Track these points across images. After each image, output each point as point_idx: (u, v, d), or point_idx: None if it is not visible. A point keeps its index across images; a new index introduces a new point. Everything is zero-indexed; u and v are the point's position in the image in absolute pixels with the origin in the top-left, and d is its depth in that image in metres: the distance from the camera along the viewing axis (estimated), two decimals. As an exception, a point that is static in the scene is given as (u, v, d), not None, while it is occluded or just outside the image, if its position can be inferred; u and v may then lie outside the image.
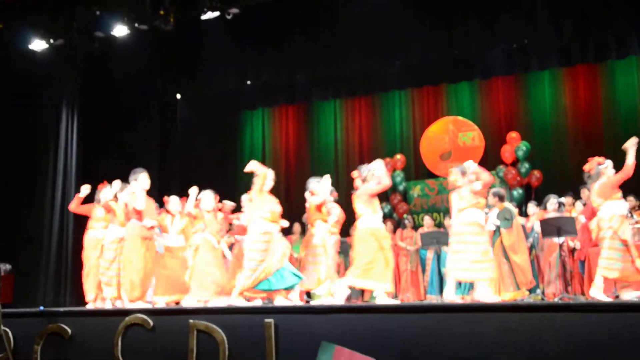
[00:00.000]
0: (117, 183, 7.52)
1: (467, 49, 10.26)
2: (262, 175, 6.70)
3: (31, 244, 10.45)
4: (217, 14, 10.00)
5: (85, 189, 7.69)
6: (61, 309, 6.55)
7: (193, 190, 7.45)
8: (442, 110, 12.44)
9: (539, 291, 8.26)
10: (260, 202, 6.63)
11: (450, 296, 6.51)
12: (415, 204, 12.16)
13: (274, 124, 13.69)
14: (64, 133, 10.85)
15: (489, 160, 11.80)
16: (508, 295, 7.47)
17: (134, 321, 5.30)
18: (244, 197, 7.90)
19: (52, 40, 10.51)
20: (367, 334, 4.50)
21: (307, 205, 7.44)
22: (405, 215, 11.62)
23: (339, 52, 10.47)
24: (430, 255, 9.89)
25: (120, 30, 10.32)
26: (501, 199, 8.02)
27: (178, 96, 12.17)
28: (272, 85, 12.18)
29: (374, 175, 6.65)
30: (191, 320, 5.02)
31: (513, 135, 11.47)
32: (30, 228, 10.56)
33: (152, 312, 5.39)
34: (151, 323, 5.23)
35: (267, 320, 4.74)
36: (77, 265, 9.75)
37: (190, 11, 10.12)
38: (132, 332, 5.28)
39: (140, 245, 7.01)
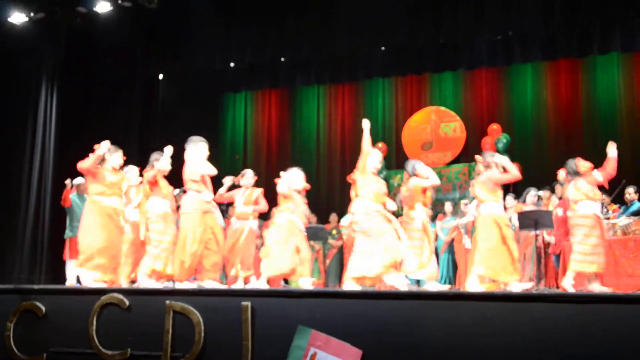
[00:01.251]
0: (155, 155, 6.90)
1: (452, 38, 10.29)
2: (366, 153, 6.45)
3: (6, 220, 10.32)
4: (202, -8, 9.93)
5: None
6: (35, 287, 6.48)
7: (293, 171, 7.29)
8: (425, 100, 12.49)
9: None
10: (364, 182, 6.40)
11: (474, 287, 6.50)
12: (396, 193, 12.18)
13: (257, 107, 13.65)
14: (43, 108, 10.67)
15: (470, 151, 11.87)
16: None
17: (110, 301, 5.25)
18: (227, 179, 7.83)
19: (32, 14, 10.34)
20: (343, 319, 4.51)
21: (406, 186, 7.08)
22: (385, 204, 11.66)
23: (325, 36, 10.44)
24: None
25: (103, 7, 10.18)
26: None
27: (160, 75, 12.06)
28: (255, 68, 12.12)
29: (498, 165, 6.64)
30: (167, 301, 4.99)
31: (494, 127, 11.54)
32: (5, 204, 10.42)
33: (128, 292, 5.35)
34: (127, 303, 5.19)
35: (244, 303, 4.73)
36: (54, 243, 9.69)
37: (175, -11, 10.04)
38: (107, 312, 5.23)
39: (200, 220, 6.41)
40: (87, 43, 10.98)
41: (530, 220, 7.27)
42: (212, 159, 11.93)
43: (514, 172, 6.61)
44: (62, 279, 8.74)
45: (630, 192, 8.30)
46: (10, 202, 10.41)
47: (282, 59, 11.37)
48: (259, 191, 7.81)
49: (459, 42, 10.76)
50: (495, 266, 6.32)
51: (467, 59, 11.25)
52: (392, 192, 12.20)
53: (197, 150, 6.57)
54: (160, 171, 6.71)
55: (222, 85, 12.91)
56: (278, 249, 6.82)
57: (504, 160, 6.70)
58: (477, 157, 6.94)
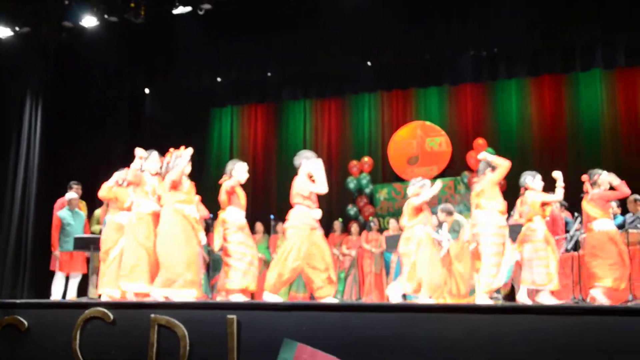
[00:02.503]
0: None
1: (437, 54, 10.37)
2: (505, 166, 6.58)
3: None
4: (189, 8, 9.93)
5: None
6: (18, 301, 6.41)
7: (437, 183, 7.27)
8: (411, 115, 12.55)
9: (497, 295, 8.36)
10: (492, 194, 6.51)
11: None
12: (382, 207, 12.22)
13: (243, 122, 13.64)
14: (27, 122, 10.62)
15: (455, 165, 11.94)
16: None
17: (94, 314, 5.21)
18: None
19: (17, 28, 10.30)
20: (329, 332, 4.50)
21: (522, 199, 7.18)
22: (371, 218, 11.68)
23: (311, 51, 10.48)
24: (394, 258, 9.92)
25: (89, 21, 10.16)
26: (449, 213, 8.13)
27: (146, 90, 12.04)
28: (242, 84, 12.13)
29: (605, 182, 6.89)
30: (152, 315, 4.96)
31: (480, 142, 11.61)
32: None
33: (112, 306, 5.30)
34: (111, 317, 5.15)
35: (229, 316, 4.71)
36: (37, 258, 9.60)
37: (162, 5, 10.02)
38: (91, 326, 5.19)
39: (308, 235, 6.22)
40: (73, 58, 10.96)
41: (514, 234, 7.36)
42: (197, 173, 11.93)
43: (623, 189, 6.86)
44: (46, 294, 8.64)
45: (613, 206, 8.37)
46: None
47: (269, 74, 11.40)
48: None
49: (444, 58, 10.85)
50: (617, 278, 6.67)
51: (452, 75, 11.35)
52: (379, 206, 12.26)
53: (312, 165, 6.41)
54: (239, 181, 6.62)
55: (209, 100, 12.90)
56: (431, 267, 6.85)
57: (612, 177, 6.91)
58: (583, 176, 7.10)
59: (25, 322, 5.40)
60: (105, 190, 7.09)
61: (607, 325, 3.97)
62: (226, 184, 6.59)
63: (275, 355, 4.51)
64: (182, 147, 6.63)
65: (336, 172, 12.49)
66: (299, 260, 6.13)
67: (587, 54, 10.21)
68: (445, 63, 11.17)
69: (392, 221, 10.59)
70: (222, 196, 6.60)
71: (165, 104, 12.33)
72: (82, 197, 9.24)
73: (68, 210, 8.75)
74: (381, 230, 10.89)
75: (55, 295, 8.47)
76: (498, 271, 6.40)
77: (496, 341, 4.09)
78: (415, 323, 4.40)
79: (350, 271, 10.49)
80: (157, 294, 6.03)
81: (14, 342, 5.39)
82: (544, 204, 6.99)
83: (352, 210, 12.24)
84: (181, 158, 6.45)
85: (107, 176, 7.40)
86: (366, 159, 12.41)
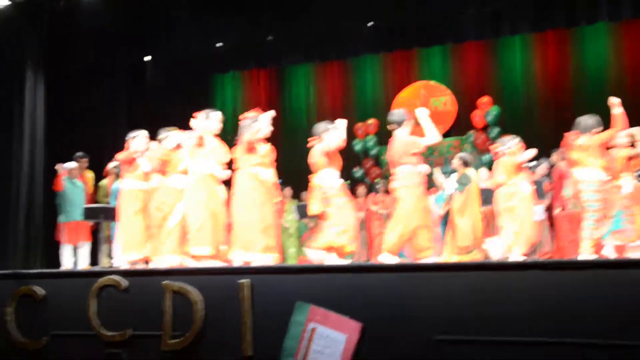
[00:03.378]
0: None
1: (439, 12, 10.24)
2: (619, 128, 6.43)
3: (-1, 208, 10.27)
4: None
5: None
6: (32, 271, 6.48)
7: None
8: (414, 75, 12.47)
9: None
10: (597, 152, 6.34)
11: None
12: (388, 169, 12.19)
13: (246, 87, 13.59)
14: (29, 93, 10.54)
15: (461, 125, 11.90)
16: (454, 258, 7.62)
17: (107, 282, 5.26)
18: None
19: (14, -3, 10.20)
20: (341, 293, 4.54)
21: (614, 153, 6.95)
22: (377, 180, 11.68)
23: (311, 14, 10.36)
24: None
25: (86, -12, 10.05)
26: (465, 164, 8.11)
27: (147, 58, 11.96)
28: (243, 48, 12.01)
29: None
30: (165, 282, 5.01)
31: (484, 100, 11.54)
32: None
33: (126, 274, 5.36)
34: (125, 284, 5.21)
35: (242, 280, 4.75)
36: (47, 229, 9.66)
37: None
38: (105, 294, 5.25)
39: (421, 193, 6.25)
40: (71, 26, 10.85)
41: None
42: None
43: None
44: (58, 264, 8.73)
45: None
46: (1, 190, 10.34)
47: (270, 38, 11.28)
48: None
49: (447, 15, 10.71)
50: None
51: (455, 33, 11.20)
52: (385, 167, 12.25)
53: (419, 113, 6.31)
54: (336, 144, 6.38)
55: (209, 66, 12.80)
56: None
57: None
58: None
59: (41, 292, 5.46)
60: (164, 153, 6.72)
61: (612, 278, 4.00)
62: (319, 147, 6.37)
63: (288, 317, 4.57)
64: (256, 110, 6.57)
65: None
66: (419, 219, 6.10)
67: (592, 7, 10.06)
68: (448, 21, 11.02)
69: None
70: (317, 159, 6.37)
71: (166, 70, 12.25)
72: (89, 167, 9.27)
73: (68, 179, 8.76)
74: (388, 191, 10.89)
75: (66, 265, 8.56)
76: (601, 226, 6.35)
77: (503, 298, 4.13)
78: (423, 282, 4.43)
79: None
80: (238, 258, 5.97)
81: (30, 312, 5.46)
82: (630, 159, 6.84)
83: (358, 172, 12.25)
84: (257, 121, 6.32)
85: (110, 145, 7.40)
86: (371, 120, 12.36)
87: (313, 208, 6.25)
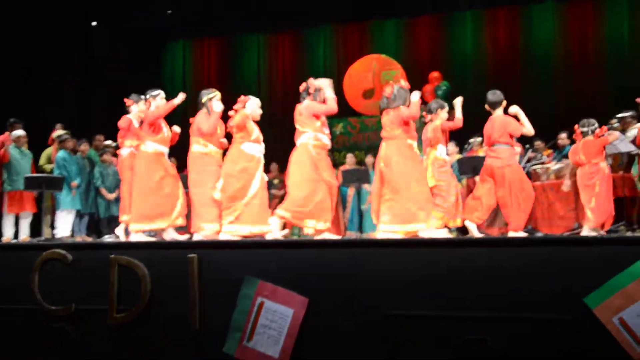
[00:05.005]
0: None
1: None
2: None
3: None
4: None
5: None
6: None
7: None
8: (367, 48, 12.48)
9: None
10: None
11: None
12: (337, 142, 12.25)
13: (196, 56, 13.38)
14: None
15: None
16: None
17: (52, 256, 5.17)
18: None
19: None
20: (290, 269, 4.58)
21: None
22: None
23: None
24: (350, 192, 10.05)
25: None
26: None
27: (94, 23, 11.63)
28: (194, 17, 11.80)
29: None
30: (112, 255, 4.95)
31: (435, 74, 11.65)
32: None
33: (72, 247, 5.27)
34: (70, 258, 5.12)
35: (190, 255, 4.73)
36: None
37: None
38: (50, 267, 5.16)
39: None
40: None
41: (469, 166, 7.52)
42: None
43: None
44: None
45: (562, 137, 8.59)
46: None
47: (220, 7, 11.08)
48: None
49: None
50: None
51: (408, 7, 11.26)
52: (334, 140, 12.28)
53: (514, 109, 6.35)
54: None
55: (160, 34, 12.55)
56: None
57: None
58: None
59: (-19, 266, 5.33)
60: (241, 118, 6.38)
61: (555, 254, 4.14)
62: (436, 123, 6.68)
63: (236, 292, 4.58)
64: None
65: (291, 107, 12.40)
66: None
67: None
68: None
69: (349, 155, 10.66)
70: (435, 134, 6.68)
71: (116, 38, 11.95)
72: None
73: (15, 147, 8.51)
74: (337, 164, 10.95)
75: (6, 235, 8.35)
76: None
77: (453, 273, 4.23)
78: (371, 258, 4.50)
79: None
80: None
81: (-30, 286, 5.32)
82: None
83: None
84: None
85: (58, 115, 7.19)
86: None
87: (431, 181, 6.47)
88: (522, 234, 6.13)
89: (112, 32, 11.83)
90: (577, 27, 11.27)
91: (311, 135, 6.14)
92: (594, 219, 6.54)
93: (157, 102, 6.58)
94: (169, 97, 12.35)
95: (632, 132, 7.50)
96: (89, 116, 11.07)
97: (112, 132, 9.28)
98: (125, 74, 12.09)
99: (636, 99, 7.20)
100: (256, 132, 6.39)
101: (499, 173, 6.18)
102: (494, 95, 6.42)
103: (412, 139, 6.15)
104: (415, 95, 6.18)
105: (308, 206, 5.97)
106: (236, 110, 6.39)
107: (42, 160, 9.12)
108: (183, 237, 6.49)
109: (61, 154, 8.64)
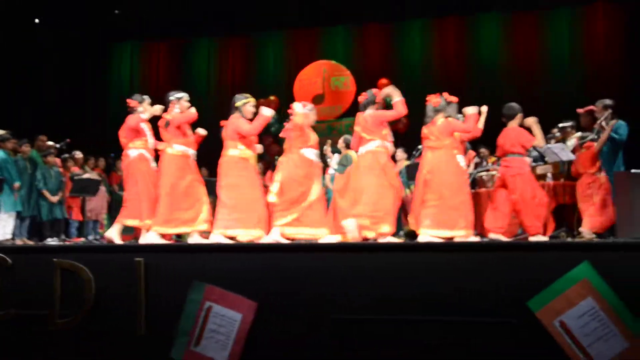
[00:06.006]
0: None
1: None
2: None
3: None
4: None
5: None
6: None
7: None
8: (316, 54, 12.54)
9: (401, 233, 8.68)
10: None
11: None
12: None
13: (144, 59, 13.18)
14: None
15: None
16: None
17: (-9, 260, 5.00)
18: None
19: None
20: (238, 273, 4.55)
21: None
22: (276, 157, 11.68)
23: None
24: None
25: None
26: (348, 146, 8.26)
27: (36, 20, 11.34)
28: (143, 18, 11.64)
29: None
30: (55, 259, 4.82)
31: (383, 81, 11.77)
32: None
33: (12, 250, 5.11)
34: (10, 261, 4.96)
35: (136, 259, 4.65)
36: None
37: None
38: (-12, 272, 4.99)
39: None
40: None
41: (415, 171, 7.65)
42: (97, 112, 11.46)
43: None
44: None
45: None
46: None
47: (170, 9, 10.97)
48: None
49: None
50: None
51: (358, 14, 11.37)
52: (283, 144, 12.27)
53: (531, 121, 6.54)
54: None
55: (107, 34, 12.32)
56: None
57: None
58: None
59: None
60: (308, 121, 6.46)
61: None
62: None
63: (184, 297, 4.52)
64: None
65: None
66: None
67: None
68: (350, 2, 11.16)
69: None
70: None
71: (59, 37, 11.67)
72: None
73: None
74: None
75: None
76: None
77: (400, 278, 4.28)
78: (321, 262, 4.52)
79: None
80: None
81: None
82: None
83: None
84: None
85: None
86: (272, 97, 12.33)
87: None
88: (543, 238, 6.32)
89: (57, 30, 11.55)
90: (522, 37, 11.60)
91: (379, 143, 6.23)
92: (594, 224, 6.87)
93: (181, 104, 6.53)
94: (118, 101, 12.18)
95: (571, 141, 7.76)
96: (33, 116, 10.75)
97: (55, 133, 9.07)
98: (70, 73, 11.84)
99: (577, 109, 7.43)
100: (313, 138, 6.48)
101: (511, 181, 6.44)
102: (510, 108, 6.65)
103: (458, 149, 6.34)
104: (472, 109, 6.37)
105: (381, 211, 6.08)
106: (292, 116, 6.49)
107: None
108: (206, 241, 6.37)
109: (1, 154, 8.38)
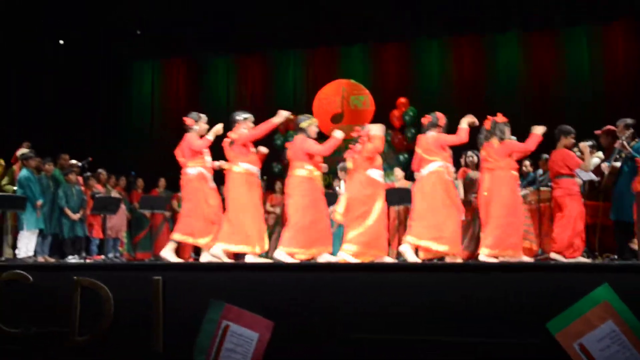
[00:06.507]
0: None
1: (359, 10, 10.40)
2: None
3: None
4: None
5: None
6: None
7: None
8: (335, 73, 12.60)
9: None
10: None
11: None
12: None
13: (165, 77, 13.35)
14: None
15: (378, 123, 12.13)
16: None
17: (12, 277, 5.05)
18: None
19: None
20: (256, 292, 4.55)
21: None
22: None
23: (232, 5, 10.30)
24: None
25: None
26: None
27: (61, 41, 11.55)
28: (163, 37, 11.80)
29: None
30: (75, 277, 4.86)
31: (402, 100, 11.81)
32: None
33: (33, 268, 5.16)
34: (30, 279, 5.01)
35: (155, 277, 4.68)
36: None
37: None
38: (10, 288, 5.04)
39: None
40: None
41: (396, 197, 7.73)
42: (117, 128, 11.57)
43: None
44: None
45: (526, 164, 8.76)
46: None
47: (190, 28, 11.12)
48: None
49: (368, 15, 10.90)
50: None
51: (376, 33, 11.43)
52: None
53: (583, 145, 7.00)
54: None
55: (129, 53, 12.50)
56: None
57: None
58: None
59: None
60: (381, 142, 6.67)
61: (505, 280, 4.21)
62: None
63: (202, 315, 4.53)
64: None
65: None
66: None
67: (505, 17, 10.52)
68: (369, 20, 11.22)
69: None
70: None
71: (83, 55, 11.87)
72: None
73: None
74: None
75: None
76: None
77: (417, 298, 4.26)
78: (339, 281, 4.51)
79: (274, 229, 10.53)
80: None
81: None
82: None
83: (276, 167, 12.28)
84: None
85: (24, 134, 7.06)
86: (291, 116, 12.38)
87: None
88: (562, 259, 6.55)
89: (80, 51, 11.75)
90: (539, 56, 11.57)
91: (441, 164, 6.43)
92: None
93: (247, 124, 6.64)
94: (138, 118, 12.26)
95: (594, 159, 7.69)
96: (55, 135, 10.92)
97: (77, 152, 9.20)
98: (92, 92, 12.02)
99: (595, 131, 7.39)
100: (379, 159, 6.63)
101: (561, 202, 6.78)
102: (559, 130, 6.98)
103: (515, 170, 6.56)
104: (539, 130, 6.55)
105: (445, 232, 6.24)
106: (362, 137, 6.74)
107: (5, 179, 8.97)
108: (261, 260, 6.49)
109: (24, 172, 8.51)
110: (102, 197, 8.90)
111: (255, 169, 6.58)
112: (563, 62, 11.57)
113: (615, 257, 6.88)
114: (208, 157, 6.74)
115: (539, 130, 6.50)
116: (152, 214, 9.72)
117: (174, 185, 10.66)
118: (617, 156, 6.92)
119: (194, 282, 4.77)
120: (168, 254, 6.60)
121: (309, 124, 6.65)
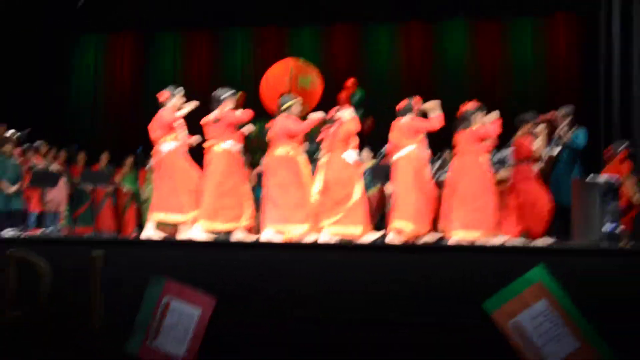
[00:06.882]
0: None
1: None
2: None
3: None
4: None
5: None
6: None
7: None
8: (284, 52, 12.51)
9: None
10: None
11: None
12: (253, 143, 12.19)
13: (109, 50, 12.98)
14: None
15: (326, 104, 12.12)
16: None
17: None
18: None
19: None
20: (199, 269, 4.54)
21: None
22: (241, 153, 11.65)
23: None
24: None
25: None
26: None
27: None
28: (108, 10, 11.49)
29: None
30: (9, 251, 4.73)
31: (350, 82, 11.83)
32: None
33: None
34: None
35: (95, 252, 4.59)
36: None
37: None
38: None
39: None
40: None
41: (382, 174, 7.75)
42: (60, 101, 11.19)
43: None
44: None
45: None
46: None
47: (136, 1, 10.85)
48: None
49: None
50: None
51: (327, 14, 11.42)
52: (250, 141, 12.23)
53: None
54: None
55: (71, 27, 12.12)
56: None
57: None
58: None
59: None
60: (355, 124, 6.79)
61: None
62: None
63: (142, 291, 4.49)
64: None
65: (207, 108, 12.31)
66: None
67: (452, 4, 10.68)
68: (320, 1, 11.21)
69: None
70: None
71: (23, 25, 11.44)
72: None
73: None
74: (253, 165, 10.91)
75: None
76: None
77: (360, 278, 4.32)
78: (283, 260, 4.53)
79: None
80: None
81: None
82: None
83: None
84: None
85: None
86: (239, 94, 12.27)
87: None
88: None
89: (21, 21, 11.32)
90: (485, 44, 11.80)
91: (413, 148, 6.60)
92: None
93: (232, 103, 6.73)
94: (77, 90, 11.88)
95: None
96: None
97: (13, 123, 8.91)
98: (33, 63, 11.64)
99: (535, 119, 7.57)
100: (356, 140, 6.74)
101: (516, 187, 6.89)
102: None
103: (484, 154, 6.65)
104: (494, 115, 6.72)
105: (417, 212, 6.43)
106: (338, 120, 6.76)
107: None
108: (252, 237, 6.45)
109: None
110: (40, 170, 8.65)
111: (241, 147, 6.72)
112: (509, 51, 11.83)
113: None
114: (184, 132, 6.68)
115: (494, 116, 6.71)
116: (94, 189, 9.49)
117: (117, 160, 10.50)
118: (555, 145, 7.14)
119: (135, 258, 4.72)
120: (151, 232, 6.42)
121: (292, 103, 6.76)
